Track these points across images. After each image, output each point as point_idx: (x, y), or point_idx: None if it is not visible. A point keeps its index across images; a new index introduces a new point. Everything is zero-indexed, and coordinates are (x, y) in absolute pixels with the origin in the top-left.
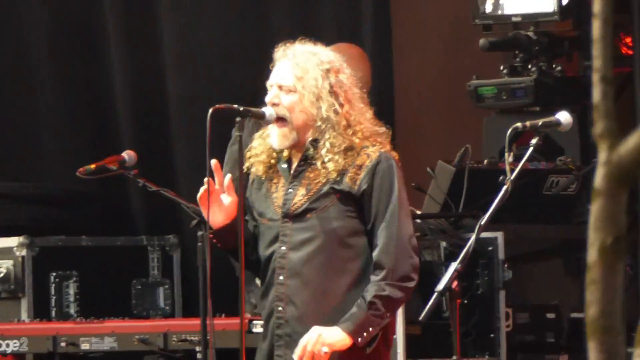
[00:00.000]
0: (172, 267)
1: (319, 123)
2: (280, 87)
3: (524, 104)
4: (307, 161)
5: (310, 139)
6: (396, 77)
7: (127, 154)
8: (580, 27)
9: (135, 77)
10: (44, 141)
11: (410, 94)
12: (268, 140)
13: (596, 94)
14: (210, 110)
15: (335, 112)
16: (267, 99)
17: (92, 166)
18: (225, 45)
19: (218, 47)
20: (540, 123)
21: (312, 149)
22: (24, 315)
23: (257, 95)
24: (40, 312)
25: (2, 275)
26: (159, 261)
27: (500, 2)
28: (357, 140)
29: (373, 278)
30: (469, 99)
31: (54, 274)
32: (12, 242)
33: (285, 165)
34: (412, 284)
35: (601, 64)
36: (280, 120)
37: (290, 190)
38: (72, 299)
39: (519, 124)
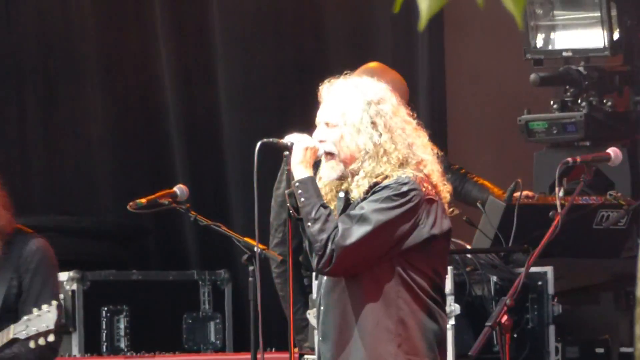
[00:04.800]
0: (223, 301)
1: (362, 154)
2: (327, 124)
3: (575, 138)
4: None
5: (353, 170)
6: (449, 112)
7: (179, 188)
8: (630, 62)
9: (190, 112)
10: (97, 174)
11: (462, 128)
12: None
13: None
14: (258, 145)
15: (375, 143)
16: (314, 136)
17: (143, 200)
18: (281, 81)
19: (273, 82)
20: (590, 158)
21: (350, 179)
22: (75, 350)
23: (312, 130)
24: (91, 347)
25: None
26: (210, 295)
27: (552, 37)
28: (388, 169)
29: None
30: (520, 133)
31: (105, 308)
32: (63, 276)
33: (342, 195)
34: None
35: None
36: (329, 155)
37: None
38: (122, 333)
39: (569, 159)
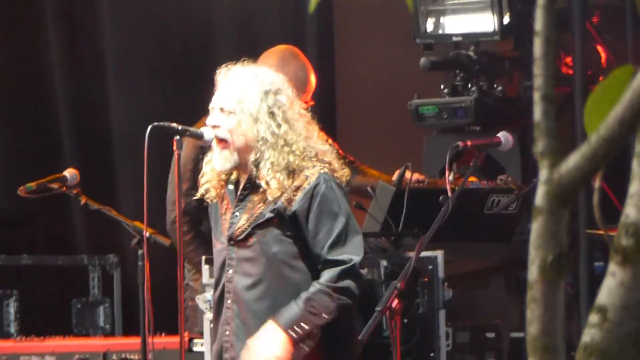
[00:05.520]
0: (112, 286)
1: (259, 144)
2: (221, 110)
3: (465, 123)
4: (251, 184)
5: (252, 160)
6: (338, 96)
7: (69, 173)
8: (522, 47)
9: (78, 97)
10: None
11: (351, 111)
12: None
13: (537, 112)
14: (149, 129)
15: (273, 133)
16: (208, 121)
17: (33, 184)
18: (166, 58)
19: (159, 60)
20: (481, 142)
21: (255, 170)
22: None
23: (197, 111)
24: None
25: None
26: (99, 280)
27: (441, 21)
28: (295, 160)
29: (315, 282)
30: (410, 117)
31: None
32: None
33: (232, 187)
34: (348, 301)
35: (542, 82)
36: (222, 141)
37: (236, 214)
38: (12, 317)
39: (460, 143)
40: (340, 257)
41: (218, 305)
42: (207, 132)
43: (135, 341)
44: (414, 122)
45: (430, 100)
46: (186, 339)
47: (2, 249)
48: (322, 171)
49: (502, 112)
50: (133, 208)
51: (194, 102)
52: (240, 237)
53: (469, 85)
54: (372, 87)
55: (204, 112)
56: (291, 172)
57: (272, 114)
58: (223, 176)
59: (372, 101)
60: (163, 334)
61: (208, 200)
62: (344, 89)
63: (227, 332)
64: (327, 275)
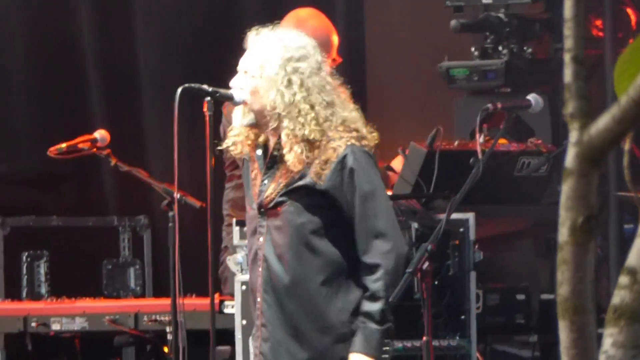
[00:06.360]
0: (142, 247)
1: (276, 111)
2: (245, 72)
3: (495, 85)
4: (278, 152)
5: (271, 127)
6: (369, 60)
7: (99, 134)
8: (551, 10)
9: (108, 58)
10: (15, 121)
11: (381, 74)
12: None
13: (568, 74)
14: (179, 90)
15: (289, 102)
16: (232, 82)
17: (64, 145)
18: (197, 22)
19: (190, 25)
20: (511, 105)
21: (279, 138)
22: None
23: (229, 74)
24: (11, 292)
25: None
26: (130, 242)
27: None
28: (315, 132)
29: (367, 279)
30: (440, 80)
31: (25, 253)
32: None
33: (260, 152)
34: (400, 276)
35: (573, 44)
36: (243, 103)
37: (264, 181)
38: (43, 278)
39: (489, 105)
40: (379, 252)
41: (252, 271)
42: (237, 93)
43: (166, 302)
44: (445, 85)
45: (460, 62)
46: (217, 300)
47: (32, 211)
48: (349, 142)
49: (532, 74)
50: (163, 170)
51: (222, 62)
52: (270, 206)
53: (499, 48)
54: (402, 49)
55: (232, 73)
56: (313, 144)
57: (289, 82)
58: (252, 135)
59: (402, 64)
60: (193, 296)
61: (236, 156)
62: (374, 52)
63: (259, 299)
64: (370, 280)
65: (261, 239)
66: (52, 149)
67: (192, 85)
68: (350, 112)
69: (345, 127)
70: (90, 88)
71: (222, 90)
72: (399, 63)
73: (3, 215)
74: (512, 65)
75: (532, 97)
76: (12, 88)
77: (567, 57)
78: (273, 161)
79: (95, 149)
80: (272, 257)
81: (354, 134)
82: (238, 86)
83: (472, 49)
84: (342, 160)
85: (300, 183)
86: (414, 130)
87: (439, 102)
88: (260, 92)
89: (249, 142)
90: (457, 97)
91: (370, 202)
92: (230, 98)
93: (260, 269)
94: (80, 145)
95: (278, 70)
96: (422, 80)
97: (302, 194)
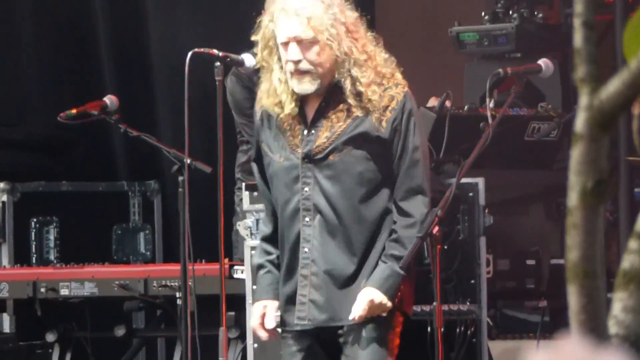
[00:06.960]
0: (152, 212)
1: (343, 63)
2: (299, 42)
3: (506, 50)
4: (330, 103)
5: (336, 80)
6: (378, 24)
7: (109, 99)
8: None
9: (117, 22)
10: (25, 86)
11: (391, 39)
12: (276, 82)
13: (578, 38)
14: (189, 54)
15: (355, 48)
16: (289, 56)
17: (74, 111)
18: None
19: None
20: (521, 69)
21: (337, 88)
22: (5, 261)
23: (241, 41)
24: (21, 257)
25: None
26: (140, 206)
27: None
28: (377, 77)
29: (401, 220)
30: (450, 44)
31: (35, 219)
32: None
33: (297, 108)
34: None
35: (583, 8)
36: (303, 72)
37: (312, 131)
38: (52, 244)
39: (500, 70)
40: (418, 207)
41: (290, 224)
42: (247, 58)
43: (176, 268)
44: (455, 49)
45: (471, 27)
46: (226, 265)
47: (41, 176)
48: (404, 90)
49: (542, 39)
50: (173, 135)
51: (234, 29)
52: (320, 155)
53: (510, 12)
54: (412, 13)
55: (242, 40)
56: (375, 90)
57: (349, 32)
58: (283, 94)
59: (412, 28)
60: (203, 261)
61: (260, 120)
62: (385, 16)
63: (307, 250)
64: (402, 224)
65: (306, 188)
66: (61, 114)
67: (202, 49)
68: (391, 62)
69: (393, 78)
70: (101, 55)
71: (233, 55)
72: (409, 27)
73: (13, 180)
74: (522, 30)
75: (542, 61)
76: (23, 55)
77: (577, 22)
78: (320, 114)
79: (104, 114)
80: (325, 207)
81: (402, 82)
82: (297, 58)
83: (483, 14)
84: (402, 107)
85: (360, 130)
86: (424, 94)
87: (449, 66)
88: (326, 52)
89: (279, 100)
90: (468, 62)
91: (417, 154)
92: (240, 63)
93: (307, 219)
94: (90, 111)
95: (335, 24)
96: (433, 45)
97: (359, 142)
